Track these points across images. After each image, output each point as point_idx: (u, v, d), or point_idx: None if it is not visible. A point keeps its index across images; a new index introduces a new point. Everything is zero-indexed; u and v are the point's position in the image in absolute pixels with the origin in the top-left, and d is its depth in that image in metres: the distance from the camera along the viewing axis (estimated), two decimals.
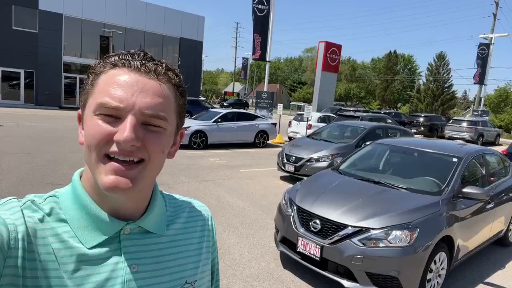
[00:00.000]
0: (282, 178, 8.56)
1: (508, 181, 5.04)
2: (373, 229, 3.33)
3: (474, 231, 4.09)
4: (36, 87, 23.13)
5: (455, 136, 21.55)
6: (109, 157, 0.59)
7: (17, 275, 0.56)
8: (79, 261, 0.61)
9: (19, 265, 0.56)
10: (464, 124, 21.82)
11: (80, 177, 0.68)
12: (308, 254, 3.56)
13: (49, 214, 0.63)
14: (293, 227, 3.78)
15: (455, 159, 4.29)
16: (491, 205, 4.38)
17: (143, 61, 0.62)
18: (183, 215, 0.78)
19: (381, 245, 3.25)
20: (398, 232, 3.27)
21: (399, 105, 67.92)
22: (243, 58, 48.25)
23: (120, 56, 0.62)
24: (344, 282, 3.32)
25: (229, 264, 3.99)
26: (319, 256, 3.47)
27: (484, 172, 4.64)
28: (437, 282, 3.56)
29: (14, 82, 22.81)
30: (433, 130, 23.51)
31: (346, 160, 5.14)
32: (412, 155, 4.81)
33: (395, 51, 65.30)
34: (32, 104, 22.95)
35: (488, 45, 25.66)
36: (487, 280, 4.15)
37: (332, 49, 29.17)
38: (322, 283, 3.67)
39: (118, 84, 0.59)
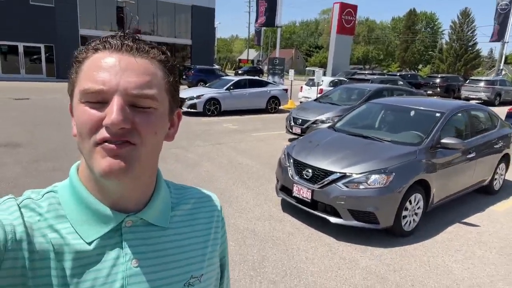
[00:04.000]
0: (290, 140, 9.12)
1: (493, 134, 5.44)
2: (355, 174, 3.91)
3: (453, 178, 4.59)
4: (57, 61, 24.00)
5: (471, 96, 21.29)
6: (101, 144, 0.57)
7: (18, 276, 0.55)
8: (79, 258, 0.60)
9: (19, 266, 0.55)
10: (481, 84, 21.44)
11: (78, 170, 0.67)
12: (301, 197, 4.20)
13: (47, 211, 0.61)
14: (289, 175, 4.40)
15: (438, 114, 4.73)
16: (472, 155, 4.84)
17: (124, 40, 0.60)
18: (188, 206, 0.75)
19: (361, 187, 3.84)
20: (376, 176, 3.84)
21: (420, 66, 65.92)
22: (255, 24, 47.48)
23: (101, 39, 0.61)
24: (331, 218, 3.96)
25: (236, 209, 4.68)
26: (310, 198, 4.09)
27: (467, 125, 5.05)
28: (413, 219, 4.15)
29: (35, 56, 23.71)
30: (450, 91, 23.21)
31: (342, 118, 5.64)
32: (402, 112, 5.26)
33: (414, 10, 62.42)
34: (54, 78, 23.92)
35: (510, 1, 24.46)
36: (465, 220, 4.70)
37: (348, 10, 28.47)
38: (313, 221, 4.32)
39: (100, 67, 0.57)
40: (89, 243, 0.61)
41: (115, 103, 0.55)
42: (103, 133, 0.56)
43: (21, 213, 0.59)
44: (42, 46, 23.59)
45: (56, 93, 16.32)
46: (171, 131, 0.68)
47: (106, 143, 0.56)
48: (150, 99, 0.59)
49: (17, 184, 5.08)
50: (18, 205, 0.60)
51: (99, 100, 0.57)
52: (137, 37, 0.62)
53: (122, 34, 0.61)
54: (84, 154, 0.59)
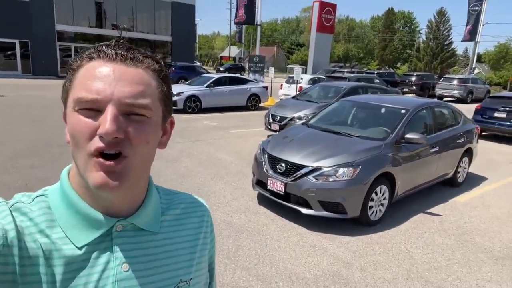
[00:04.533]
0: (269, 136, 9.32)
1: (456, 129, 5.80)
2: (325, 167, 4.14)
3: (417, 171, 4.90)
4: (32, 57, 23.41)
5: (445, 94, 22.08)
6: (96, 155, 0.57)
7: (8, 281, 0.55)
8: (70, 263, 0.60)
9: (9, 272, 0.55)
10: (454, 82, 22.24)
11: (68, 173, 0.67)
12: (275, 190, 4.40)
13: (38, 215, 0.61)
14: (264, 170, 4.59)
15: (403, 111, 5.03)
16: (435, 149, 5.17)
17: (118, 50, 0.61)
18: (177, 211, 0.76)
19: (330, 179, 4.07)
20: (344, 169, 4.08)
21: (398, 64, 67.44)
22: (234, 21, 47.48)
23: (95, 48, 0.61)
24: (303, 209, 4.18)
25: (214, 203, 4.85)
26: (283, 191, 4.30)
27: (431, 121, 5.38)
28: (380, 209, 4.42)
29: (9, 52, 23.06)
30: (425, 89, 23.99)
31: (315, 115, 5.89)
32: (371, 109, 5.54)
33: (392, 9, 63.79)
34: (29, 74, 23.35)
35: (481, 2, 25.44)
36: (429, 210, 5.03)
37: (327, 8, 28.89)
38: (286, 213, 4.54)
39: (94, 76, 0.58)
40: (80, 248, 0.61)
41: (109, 112, 0.56)
42: (97, 143, 0.56)
43: (13, 217, 0.59)
44: (17, 41, 22.97)
45: (32, 90, 15.99)
46: (163, 138, 0.69)
47: (101, 159, 0.57)
48: (144, 108, 0.60)
49: None
50: (10, 209, 0.60)
51: (93, 108, 0.57)
52: (131, 47, 0.63)
53: (117, 43, 0.63)
54: (78, 163, 0.60)
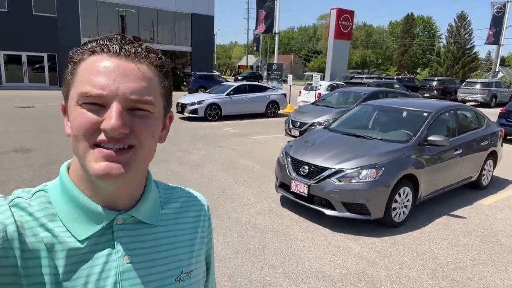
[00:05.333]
0: (289, 142, 9.44)
1: (479, 132, 5.76)
2: (347, 169, 4.23)
3: (440, 173, 4.90)
4: (59, 69, 24.43)
5: (467, 98, 21.65)
6: (98, 145, 0.58)
7: (10, 274, 0.56)
8: (72, 255, 0.61)
9: (10, 265, 0.56)
10: (477, 86, 21.79)
11: (68, 169, 0.68)
12: (299, 192, 4.51)
13: (38, 210, 0.62)
14: (287, 173, 4.71)
15: (425, 114, 5.06)
16: (458, 152, 5.16)
17: (122, 45, 0.61)
18: (177, 204, 0.77)
19: (353, 181, 4.15)
20: (367, 171, 4.16)
21: (418, 70, 66.47)
22: (254, 31, 48.16)
23: (98, 42, 0.61)
24: (326, 211, 4.27)
25: (238, 205, 4.99)
26: (307, 193, 4.41)
27: (454, 124, 5.38)
28: (403, 211, 4.45)
29: (37, 65, 24.16)
30: (446, 94, 23.55)
31: (337, 120, 5.98)
32: (393, 112, 5.59)
33: (411, 14, 63.14)
34: (57, 86, 24.33)
35: (504, 4, 24.94)
36: (453, 213, 5.01)
37: (345, 15, 28.95)
38: (309, 215, 4.63)
39: (99, 71, 0.58)
40: (81, 241, 0.62)
41: (115, 109, 0.57)
42: (101, 136, 0.58)
43: (12, 213, 0.59)
44: (45, 55, 24.06)
45: (59, 100, 16.55)
46: (163, 132, 0.70)
47: (104, 148, 0.58)
48: (148, 104, 0.60)
49: (34, 185, 5.40)
50: (8, 205, 0.60)
51: (97, 103, 0.57)
52: (134, 41, 0.63)
53: (120, 37, 0.62)
54: (79, 154, 0.60)
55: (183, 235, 0.75)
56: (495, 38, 25.87)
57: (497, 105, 20.87)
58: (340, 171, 4.24)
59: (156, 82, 0.63)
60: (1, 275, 0.55)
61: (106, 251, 0.64)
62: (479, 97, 21.34)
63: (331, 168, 4.30)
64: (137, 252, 0.67)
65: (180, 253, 0.73)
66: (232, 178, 6.23)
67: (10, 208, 0.60)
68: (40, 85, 24.02)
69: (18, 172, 5.98)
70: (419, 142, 4.65)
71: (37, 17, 23.16)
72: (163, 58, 0.66)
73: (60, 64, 24.35)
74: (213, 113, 12.90)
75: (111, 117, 0.56)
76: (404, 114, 5.38)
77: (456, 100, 22.08)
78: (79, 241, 0.62)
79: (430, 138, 4.63)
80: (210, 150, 8.26)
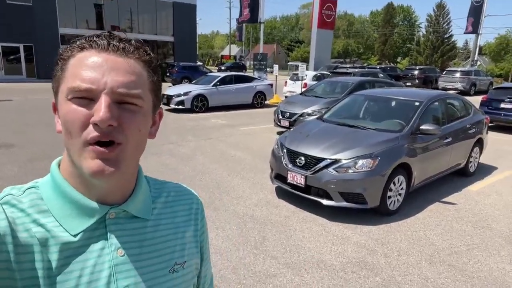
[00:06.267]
0: (279, 133, 9.44)
1: (467, 120, 5.91)
2: (344, 159, 4.26)
3: (431, 161, 5.01)
4: (37, 61, 23.56)
5: (448, 86, 22.14)
6: (90, 144, 0.59)
7: (3, 269, 0.57)
8: (65, 249, 0.62)
9: (3, 260, 0.57)
10: (457, 75, 22.33)
11: (59, 166, 0.69)
12: (295, 183, 4.53)
13: (29, 206, 0.63)
14: (283, 164, 4.72)
15: (417, 103, 5.14)
16: (448, 140, 5.28)
17: (110, 40, 0.62)
18: (168, 198, 0.79)
19: (350, 171, 4.20)
20: (363, 161, 4.21)
21: (399, 59, 67.42)
22: (237, 20, 47.57)
23: (87, 38, 0.62)
24: (323, 201, 4.31)
25: (234, 197, 4.98)
26: (304, 184, 4.43)
27: (444, 112, 5.49)
28: (397, 199, 4.54)
29: (12, 57, 23.21)
30: (428, 82, 24.06)
31: (329, 110, 6.01)
32: (384, 102, 5.66)
33: (392, 3, 63.74)
34: (34, 78, 23.50)
35: None
36: (443, 199, 5.15)
37: (328, 4, 28.88)
38: (306, 205, 4.67)
39: (87, 66, 0.59)
40: (74, 235, 0.63)
41: (103, 101, 0.58)
42: (91, 132, 0.58)
43: (3, 210, 0.60)
44: (21, 46, 23.10)
45: (39, 93, 16.13)
46: (153, 128, 0.71)
47: (97, 146, 0.59)
48: (136, 97, 0.61)
49: (20, 183, 5.21)
50: (0, 202, 0.61)
51: (86, 97, 0.59)
52: (122, 37, 0.64)
53: (108, 33, 0.64)
54: (72, 152, 0.61)
55: (175, 228, 0.76)
56: (473, 27, 26.42)
57: (476, 93, 21.48)
58: (336, 161, 4.28)
59: (144, 76, 0.64)
60: None
61: (100, 245, 0.65)
62: (459, 85, 21.86)
63: (327, 159, 4.33)
64: (130, 245, 0.68)
65: (173, 245, 0.74)
66: (225, 170, 6.20)
67: (2, 206, 0.61)
68: (17, 77, 23.11)
69: (3, 169, 5.77)
70: (412, 131, 4.73)
71: (11, 6, 22.15)
72: (151, 53, 0.67)
73: (37, 55, 23.47)
74: (200, 104, 12.76)
75: (100, 110, 0.57)
76: (396, 103, 5.46)
77: (437, 89, 22.57)
78: (72, 235, 0.63)
79: (423, 127, 4.72)
80: (200, 142, 8.19)
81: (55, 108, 0.66)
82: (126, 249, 0.67)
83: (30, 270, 0.59)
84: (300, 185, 4.48)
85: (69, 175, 0.66)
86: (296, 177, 4.51)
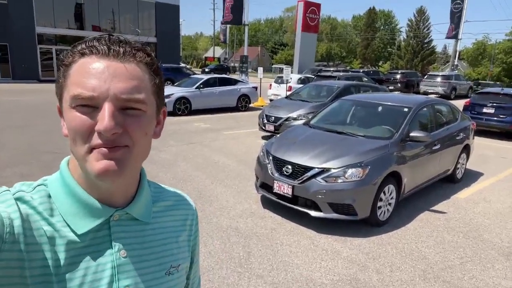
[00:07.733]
0: (264, 137, 9.23)
1: (455, 126, 5.83)
2: (333, 168, 4.06)
3: (421, 168, 4.88)
4: (12, 61, 22.64)
5: (429, 91, 22.47)
6: (95, 148, 0.59)
7: (15, 267, 0.57)
8: (71, 248, 0.63)
9: (15, 258, 0.57)
10: (438, 79, 22.70)
11: (68, 164, 0.69)
12: (282, 193, 4.30)
13: (40, 203, 0.63)
14: (269, 173, 4.48)
15: (406, 109, 5.00)
16: (437, 147, 5.16)
17: (110, 45, 0.61)
18: (167, 203, 0.80)
19: (339, 181, 4.00)
20: (353, 170, 4.01)
21: (380, 63, 68.50)
22: (221, 21, 47.29)
23: (87, 43, 0.62)
24: (311, 212, 4.09)
25: (218, 207, 4.71)
26: (291, 194, 4.20)
27: (432, 119, 5.38)
28: (387, 209, 4.37)
29: None
30: (409, 86, 24.36)
31: (316, 115, 5.81)
32: (372, 108, 5.50)
33: (373, 8, 64.79)
34: (9, 79, 22.58)
35: (463, 0, 26.02)
36: (433, 208, 5.02)
37: (312, 8, 29.04)
38: (292, 216, 4.44)
39: (89, 73, 0.59)
40: (80, 235, 0.64)
41: (107, 109, 0.57)
42: (96, 140, 0.58)
43: (18, 207, 0.60)
44: None
45: (13, 95, 15.42)
46: (157, 128, 0.71)
47: (102, 148, 0.59)
48: (140, 102, 0.61)
49: None
50: (13, 198, 0.61)
51: (89, 104, 0.58)
52: (122, 40, 0.63)
53: (108, 37, 0.63)
54: (78, 157, 0.61)
55: (171, 232, 0.78)
56: (454, 32, 26.96)
57: (457, 97, 21.87)
58: (325, 170, 4.07)
59: (146, 80, 0.64)
60: (6, 268, 0.56)
61: (104, 246, 0.66)
62: (440, 89, 22.22)
63: (316, 168, 4.11)
64: (132, 247, 0.69)
65: (169, 249, 0.76)
66: (208, 177, 5.92)
67: (16, 201, 0.61)
68: None
69: None
70: (402, 138, 4.57)
71: None
72: (152, 54, 0.67)
73: (12, 55, 22.55)
74: (183, 107, 12.40)
75: (104, 118, 0.57)
76: (385, 109, 5.31)
77: (418, 93, 22.87)
78: (77, 235, 0.64)
79: (412, 134, 4.57)
80: (182, 147, 7.87)
81: (60, 111, 0.65)
82: (128, 251, 0.69)
83: (39, 268, 0.59)
84: (287, 195, 4.25)
85: (77, 175, 0.66)
86: (283, 187, 4.28)
